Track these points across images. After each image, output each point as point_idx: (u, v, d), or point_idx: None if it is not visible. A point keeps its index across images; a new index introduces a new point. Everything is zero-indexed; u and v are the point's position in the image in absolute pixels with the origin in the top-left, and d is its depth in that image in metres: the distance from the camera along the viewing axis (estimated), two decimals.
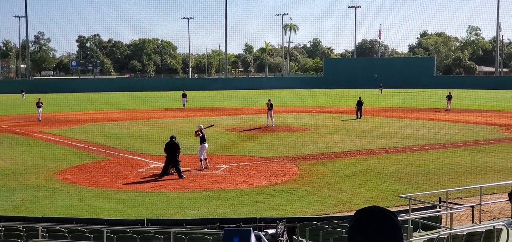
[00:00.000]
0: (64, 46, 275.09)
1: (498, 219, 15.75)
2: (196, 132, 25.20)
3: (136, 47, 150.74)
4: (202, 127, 25.13)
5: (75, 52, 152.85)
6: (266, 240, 11.55)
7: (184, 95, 61.26)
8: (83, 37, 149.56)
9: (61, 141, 34.50)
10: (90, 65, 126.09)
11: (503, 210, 17.29)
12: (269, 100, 41.23)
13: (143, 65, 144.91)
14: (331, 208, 17.97)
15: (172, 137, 23.13)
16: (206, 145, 24.59)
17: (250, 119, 44.85)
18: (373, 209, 2.39)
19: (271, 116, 40.94)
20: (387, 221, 2.33)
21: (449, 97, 55.65)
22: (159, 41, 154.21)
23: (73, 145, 32.57)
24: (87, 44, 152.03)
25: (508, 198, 16.54)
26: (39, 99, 48.75)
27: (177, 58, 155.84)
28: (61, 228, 13.43)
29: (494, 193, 19.15)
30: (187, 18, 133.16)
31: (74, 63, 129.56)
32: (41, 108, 47.41)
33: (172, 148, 22.67)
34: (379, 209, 2.40)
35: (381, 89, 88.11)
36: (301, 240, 13.23)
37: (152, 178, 22.72)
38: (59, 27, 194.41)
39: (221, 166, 24.98)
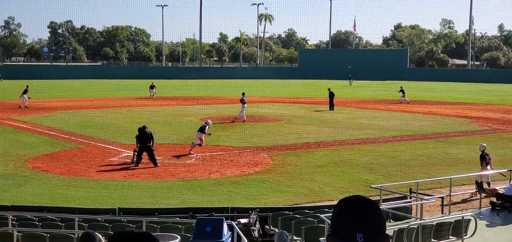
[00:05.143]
0: (35, 32, 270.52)
1: (467, 210, 16.03)
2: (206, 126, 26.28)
3: (109, 34, 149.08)
4: (210, 123, 27.10)
5: (47, 38, 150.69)
6: (238, 230, 11.60)
7: (152, 87, 60.48)
8: (55, 23, 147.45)
9: (32, 128, 34.04)
10: (62, 52, 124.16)
11: (472, 201, 17.60)
12: (243, 94, 40.24)
13: (116, 52, 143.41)
14: (303, 198, 18.07)
15: (143, 127, 22.96)
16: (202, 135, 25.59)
17: (223, 109, 44.79)
18: (358, 198, 2.41)
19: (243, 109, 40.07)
20: (372, 209, 2.35)
21: (402, 91, 55.68)
22: (133, 29, 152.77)
23: (44, 133, 32.16)
24: (59, 31, 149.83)
25: (477, 189, 16.86)
26: (27, 86, 47.24)
27: (150, 46, 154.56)
28: (32, 217, 13.29)
29: (464, 185, 19.47)
30: (161, 5, 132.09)
31: (45, 49, 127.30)
32: (26, 94, 46.21)
33: (144, 138, 22.52)
34: (363, 198, 2.42)
35: (351, 81, 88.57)
36: (274, 230, 13.29)
37: (124, 167, 22.56)
38: (30, 12, 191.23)
39: (194, 156, 24.92)
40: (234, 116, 39.39)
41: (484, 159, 19.10)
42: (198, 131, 25.93)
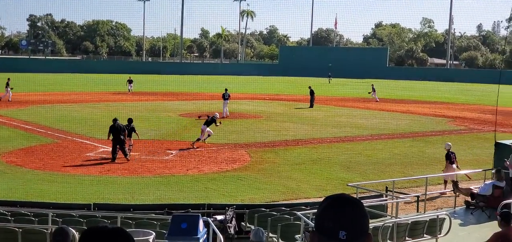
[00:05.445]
0: (14, 25, 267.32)
1: (442, 208, 16.17)
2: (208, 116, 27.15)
3: (89, 28, 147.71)
4: (218, 116, 28.05)
5: (26, 32, 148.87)
6: (214, 226, 11.54)
7: (130, 81, 60.15)
8: (35, 16, 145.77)
9: (7, 122, 33.60)
10: (41, 45, 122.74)
11: (447, 200, 17.76)
12: (226, 90, 39.88)
13: (96, 47, 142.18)
14: (280, 196, 18.09)
15: (115, 120, 22.89)
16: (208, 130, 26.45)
17: (203, 105, 44.63)
18: (343, 196, 2.43)
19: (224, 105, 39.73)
20: (355, 208, 2.37)
21: (373, 89, 56.21)
22: (113, 23, 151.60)
23: (20, 127, 31.76)
24: (39, 24, 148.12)
25: (452, 188, 17.01)
26: (8, 79, 46.92)
27: (131, 40, 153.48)
28: (4, 211, 13.09)
29: (440, 184, 19.66)
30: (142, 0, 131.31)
31: (24, 42, 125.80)
32: (9, 87, 45.87)
33: (116, 130, 22.42)
34: (348, 197, 2.43)
35: (330, 79, 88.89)
36: (250, 227, 13.27)
37: (101, 162, 22.38)
38: (8, 5, 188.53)
39: (172, 152, 24.81)
40: (226, 115, 38.66)
41: (449, 158, 19.32)
42: (204, 124, 26.64)
